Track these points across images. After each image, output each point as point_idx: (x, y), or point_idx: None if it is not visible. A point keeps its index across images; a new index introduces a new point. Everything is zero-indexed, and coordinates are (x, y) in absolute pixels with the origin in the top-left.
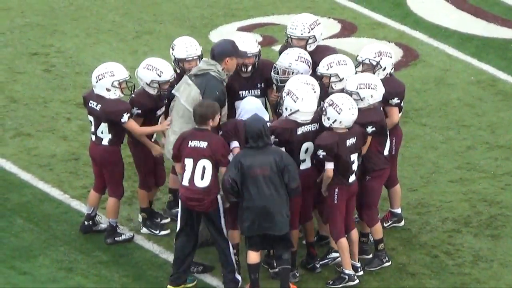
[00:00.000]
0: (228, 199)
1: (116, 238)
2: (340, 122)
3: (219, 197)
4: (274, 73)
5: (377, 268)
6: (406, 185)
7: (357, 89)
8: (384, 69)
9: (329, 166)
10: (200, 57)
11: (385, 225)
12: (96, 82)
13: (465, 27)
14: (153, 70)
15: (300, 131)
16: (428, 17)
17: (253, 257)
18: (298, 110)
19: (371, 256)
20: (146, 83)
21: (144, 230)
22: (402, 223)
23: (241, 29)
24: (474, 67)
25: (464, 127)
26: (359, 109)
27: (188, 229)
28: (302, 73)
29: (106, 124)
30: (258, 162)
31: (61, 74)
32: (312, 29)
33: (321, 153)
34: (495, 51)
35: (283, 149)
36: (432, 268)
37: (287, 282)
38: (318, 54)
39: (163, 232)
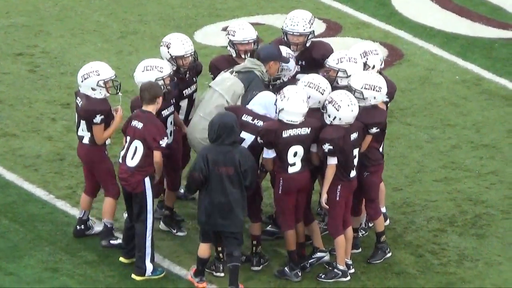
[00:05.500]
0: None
1: (111, 242)
2: (340, 119)
3: (147, 180)
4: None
5: (381, 260)
6: (391, 185)
7: (362, 88)
8: (373, 67)
9: (333, 161)
10: (194, 53)
11: (371, 224)
12: (82, 81)
13: (450, 27)
14: (153, 69)
15: (286, 133)
16: (413, 17)
17: (203, 251)
18: (283, 109)
19: (373, 249)
20: None
21: (163, 226)
22: (387, 222)
23: (226, 29)
24: (459, 66)
25: (449, 126)
26: (363, 108)
27: (129, 210)
28: (290, 70)
29: (84, 122)
30: (223, 160)
31: (46, 74)
32: (311, 24)
33: (327, 147)
34: (480, 50)
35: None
36: (417, 267)
37: (236, 280)
38: (316, 49)
39: (180, 233)
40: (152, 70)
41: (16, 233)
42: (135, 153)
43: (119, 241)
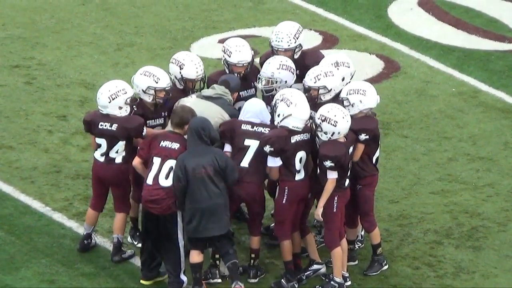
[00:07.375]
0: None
1: (123, 256)
2: (339, 133)
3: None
4: (258, 83)
5: (378, 272)
6: (387, 197)
7: (347, 95)
8: (343, 79)
9: (333, 175)
10: (204, 77)
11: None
12: (109, 102)
13: (446, 39)
14: (150, 77)
15: (293, 139)
16: (409, 29)
17: (196, 257)
18: (290, 115)
19: (370, 261)
20: (142, 90)
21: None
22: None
23: (223, 41)
24: (455, 78)
25: (445, 138)
26: (353, 117)
27: (151, 233)
28: (286, 81)
29: (123, 142)
30: (202, 161)
31: (43, 86)
32: (297, 38)
33: (328, 164)
34: (476, 62)
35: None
36: (414, 279)
37: (237, 276)
38: (308, 59)
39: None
40: (149, 77)
41: (13, 245)
42: (169, 173)
43: (129, 252)
